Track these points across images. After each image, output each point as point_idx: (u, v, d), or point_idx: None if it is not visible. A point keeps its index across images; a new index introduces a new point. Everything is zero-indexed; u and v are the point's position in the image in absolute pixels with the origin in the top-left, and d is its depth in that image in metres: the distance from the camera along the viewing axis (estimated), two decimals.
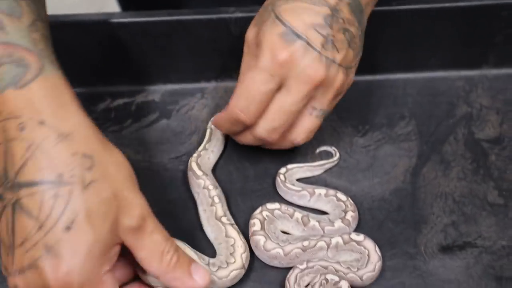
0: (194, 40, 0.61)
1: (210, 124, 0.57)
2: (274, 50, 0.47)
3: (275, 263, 0.48)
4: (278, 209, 0.51)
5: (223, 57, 0.62)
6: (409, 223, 0.51)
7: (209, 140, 0.56)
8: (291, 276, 0.47)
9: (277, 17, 0.47)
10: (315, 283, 0.46)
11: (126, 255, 0.42)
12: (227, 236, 0.49)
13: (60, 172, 0.38)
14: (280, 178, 0.53)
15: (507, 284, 0.47)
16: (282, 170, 0.54)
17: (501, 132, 0.58)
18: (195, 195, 0.53)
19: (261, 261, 0.49)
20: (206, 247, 0.50)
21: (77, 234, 0.37)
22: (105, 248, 0.39)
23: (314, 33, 0.47)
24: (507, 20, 0.60)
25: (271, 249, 0.48)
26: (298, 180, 0.55)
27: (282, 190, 0.53)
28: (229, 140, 0.57)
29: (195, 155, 0.55)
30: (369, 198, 0.53)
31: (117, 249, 0.40)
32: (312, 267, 0.47)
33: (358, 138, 0.58)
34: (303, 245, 0.48)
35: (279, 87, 0.48)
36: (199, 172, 0.52)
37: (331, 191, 0.52)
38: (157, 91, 0.62)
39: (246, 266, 0.48)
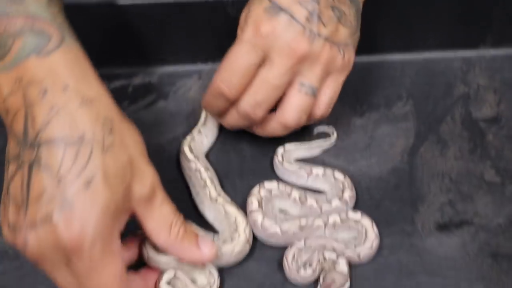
0: (191, 21, 0.61)
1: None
2: (257, 23, 0.47)
3: (272, 241, 0.49)
4: (276, 188, 0.51)
5: (220, 38, 0.61)
6: (406, 201, 0.52)
7: (204, 123, 0.56)
8: (289, 254, 0.47)
9: None
10: (313, 260, 0.47)
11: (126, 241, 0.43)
12: (226, 213, 0.49)
13: (82, 133, 0.39)
14: (277, 158, 0.53)
15: (503, 261, 0.48)
16: (280, 150, 0.54)
17: (498, 112, 0.58)
18: (187, 178, 0.53)
19: (258, 239, 0.49)
20: (205, 228, 0.50)
21: (94, 192, 0.38)
22: (118, 210, 0.39)
23: (299, 7, 0.47)
24: (504, 0, 0.60)
25: (268, 228, 0.48)
26: (295, 160, 0.55)
27: (279, 170, 0.53)
28: None
29: (188, 138, 0.55)
30: (367, 178, 0.54)
31: (126, 217, 0.41)
32: (310, 245, 0.48)
33: (355, 118, 0.58)
34: (300, 224, 0.48)
35: (262, 62, 0.48)
36: (190, 156, 0.52)
37: (329, 171, 0.52)
38: (154, 73, 0.62)
39: (251, 241, 0.48)
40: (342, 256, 0.47)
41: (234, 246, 0.47)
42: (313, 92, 0.49)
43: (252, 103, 0.48)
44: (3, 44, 0.40)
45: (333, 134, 0.56)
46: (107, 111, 0.41)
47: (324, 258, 0.47)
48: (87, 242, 0.37)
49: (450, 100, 0.59)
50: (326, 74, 0.49)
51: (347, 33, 0.49)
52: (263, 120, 0.51)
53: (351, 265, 0.47)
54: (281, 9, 0.47)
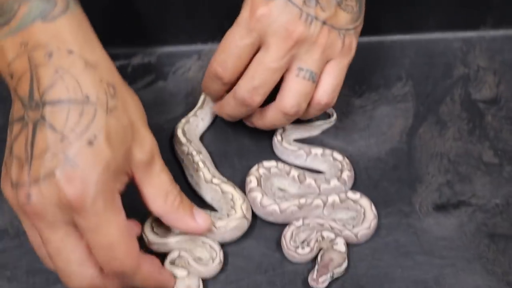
0: (191, 2, 0.60)
1: None
2: (253, 6, 0.47)
3: (271, 219, 0.49)
4: (275, 167, 0.51)
5: (219, 19, 0.61)
6: (405, 182, 0.52)
7: (201, 107, 0.56)
8: (287, 232, 0.47)
9: None
10: (311, 239, 0.47)
11: None
12: (223, 193, 0.49)
13: (87, 93, 0.39)
14: (277, 138, 0.54)
15: (500, 241, 0.48)
16: (279, 130, 0.54)
17: (497, 93, 0.58)
18: (180, 161, 0.53)
19: (257, 218, 0.49)
20: (203, 207, 0.50)
21: (96, 150, 0.39)
22: (118, 170, 0.40)
23: None
24: None
25: (267, 206, 0.48)
26: (295, 140, 0.55)
27: (278, 150, 0.53)
28: None
29: (183, 120, 0.55)
30: (365, 158, 0.54)
31: (126, 178, 0.41)
32: (308, 224, 0.48)
33: (354, 99, 0.58)
34: (299, 203, 0.48)
35: (259, 45, 0.47)
36: (183, 139, 0.53)
37: (328, 151, 0.53)
38: (154, 53, 0.62)
39: (249, 217, 0.48)
40: (340, 235, 0.47)
41: (229, 222, 0.47)
42: (312, 77, 0.48)
43: (249, 88, 0.48)
44: (9, 9, 0.40)
45: (332, 114, 0.56)
46: (110, 76, 0.41)
47: (322, 237, 0.47)
48: (89, 198, 0.38)
49: (449, 81, 0.59)
50: (325, 59, 0.49)
51: (348, 18, 0.48)
52: (262, 110, 0.50)
53: (348, 245, 0.47)
54: None
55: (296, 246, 0.47)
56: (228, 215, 0.48)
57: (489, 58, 0.61)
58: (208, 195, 0.50)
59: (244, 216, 0.47)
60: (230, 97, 0.50)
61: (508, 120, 0.56)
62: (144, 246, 0.47)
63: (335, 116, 0.56)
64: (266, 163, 0.51)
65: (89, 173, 0.38)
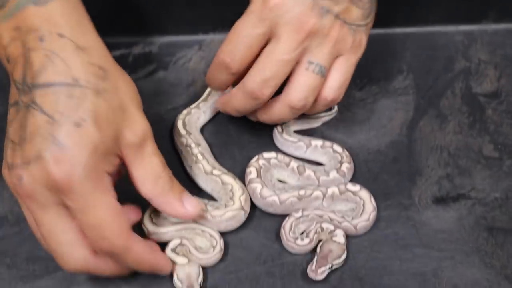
0: None
1: None
2: None
3: (270, 210, 0.49)
4: (275, 158, 0.51)
5: (221, 9, 0.61)
6: (404, 175, 0.52)
7: (205, 100, 0.56)
8: (287, 224, 0.48)
9: None
10: (310, 230, 0.47)
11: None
12: (223, 184, 0.49)
13: (76, 77, 0.40)
14: (277, 129, 0.54)
15: (498, 234, 0.48)
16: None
17: (498, 87, 0.58)
18: (178, 152, 0.53)
19: (257, 209, 0.49)
20: (202, 197, 0.50)
21: (84, 131, 0.39)
22: (106, 151, 0.40)
23: None
24: None
25: (267, 197, 0.48)
26: (295, 131, 0.55)
27: (279, 141, 0.54)
28: None
29: (184, 112, 0.55)
30: (365, 151, 0.54)
31: (116, 160, 0.41)
32: (307, 215, 0.48)
33: (355, 92, 0.58)
34: (299, 194, 0.48)
35: (269, 36, 0.47)
36: (182, 131, 0.53)
37: (328, 143, 0.53)
38: (154, 43, 0.62)
39: (247, 208, 0.48)
40: (339, 227, 0.47)
41: (226, 212, 0.47)
42: (322, 72, 0.47)
43: (259, 80, 0.47)
44: None
45: (333, 107, 0.56)
46: (101, 60, 0.42)
47: (322, 229, 0.47)
48: (76, 180, 0.39)
49: (450, 74, 0.59)
50: (335, 53, 0.48)
51: (359, 14, 0.48)
52: (267, 103, 0.49)
53: (347, 237, 0.47)
54: None
55: (295, 237, 0.47)
56: (226, 206, 0.48)
57: (490, 52, 0.61)
58: (208, 186, 0.50)
59: (242, 208, 0.48)
60: (238, 90, 0.49)
61: (509, 114, 0.56)
62: (144, 236, 0.47)
63: (336, 108, 0.56)
64: (266, 154, 0.51)
65: (77, 155, 0.39)
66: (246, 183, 0.50)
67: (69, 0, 0.42)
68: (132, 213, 0.45)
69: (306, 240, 0.47)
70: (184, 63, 0.61)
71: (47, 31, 0.40)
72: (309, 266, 0.45)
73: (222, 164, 0.52)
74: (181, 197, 0.44)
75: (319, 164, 0.53)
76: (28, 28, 0.40)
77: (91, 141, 0.39)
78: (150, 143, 0.43)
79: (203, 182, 0.51)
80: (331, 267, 0.45)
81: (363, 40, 0.49)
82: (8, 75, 0.42)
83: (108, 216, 0.40)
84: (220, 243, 0.46)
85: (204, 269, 0.46)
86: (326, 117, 0.56)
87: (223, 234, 0.47)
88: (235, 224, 0.48)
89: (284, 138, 0.53)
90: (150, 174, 0.42)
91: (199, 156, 0.51)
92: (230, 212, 0.47)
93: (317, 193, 0.49)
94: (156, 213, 0.48)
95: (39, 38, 0.40)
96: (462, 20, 0.62)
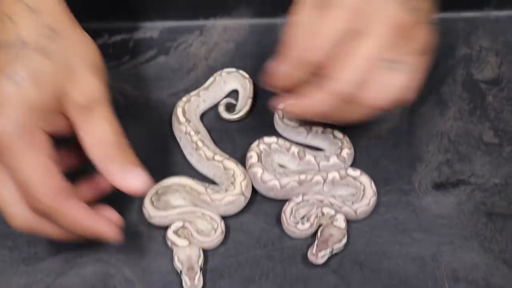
0: None
1: (217, 73, 0.57)
2: None
3: (271, 195, 0.49)
4: (275, 143, 0.51)
5: None
6: (405, 160, 0.52)
7: (207, 88, 0.56)
8: (287, 208, 0.48)
9: None
10: (311, 215, 0.47)
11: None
12: (225, 169, 0.49)
13: (25, 38, 0.41)
14: (278, 114, 0.54)
15: (497, 220, 0.48)
16: (281, 106, 0.54)
17: (499, 74, 0.58)
18: (178, 138, 0.53)
19: (257, 194, 0.50)
20: (204, 181, 0.51)
21: (22, 90, 0.40)
22: (45, 109, 0.40)
23: None
24: None
25: (268, 181, 0.48)
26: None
27: (280, 126, 0.54)
28: None
29: (184, 99, 0.54)
30: (366, 136, 0.54)
31: (59, 119, 0.41)
32: (308, 200, 0.48)
33: None
34: (299, 179, 0.49)
35: (356, 33, 0.43)
36: (182, 119, 0.53)
37: (328, 129, 0.53)
38: (155, 28, 0.62)
39: (247, 194, 0.48)
40: (339, 212, 0.48)
41: (226, 196, 0.47)
42: (408, 71, 0.44)
43: (353, 81, 0.43)
44: None
45: None
46: (53, 21, 0.42)
47: (322, 214, 0.47)
48: (8, 136, 0.39)
49: (451, 61, 0.59)
50: (418, 52, 0.45)
51: (431, 11, 0.46)
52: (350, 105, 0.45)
53: (348, 221, 0.48)
54: None
55: (296, 222, 0.47)
56: (226, 190, 0.48)
57: (491, 39, 0.61)
58: (210, 172, 0.51)
59: (242, 193, 0.48)
60: (325, 92, 0.44)
61: (509, 101, 0.56)
62: (144, 220, 0.47)
63: None
64: (267, 139, 0.51)
65: (12, 113, 0.39)
66: (247, 167, 0.50)
67: None
68: (69, 158, 0.44)
69: (307, 225, 0.47)
70: (185, 48, 0.61)
71: None
72: (309, 250, 0.45)
73: (222, 149, 0.52)
74: (126, 169, 0.42)
75: (319, 149, 0.53)
76: None
77: (28, 100, 0.40)
78: (101, 107, 0.42)
79: (205, 168, 0.51)
80: (332, 251, 0.45)
81: (431, 39, 0.46)
82: None
83: (39, 175, 0.40)
84: (221, 226, 0.47)
85: (205, 252, 0.46)
86: None
87: (223, 218, 0.48)
88: (234, 209, 0.48)
89: (285, 123, 0.53)
90: (96, 139, 0.41)
91: (199, 143, 0.51)
92: (230, 196, 0.47)
93: (318, 178, 0.49)
94: (157, 197, 0.48)
95: None
96: (464, 7, 0.62)
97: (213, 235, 0.46)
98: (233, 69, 0.57)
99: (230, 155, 0.51)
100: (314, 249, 0.45)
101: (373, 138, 0.54)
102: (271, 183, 0.48)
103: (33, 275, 0.45)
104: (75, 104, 0.41)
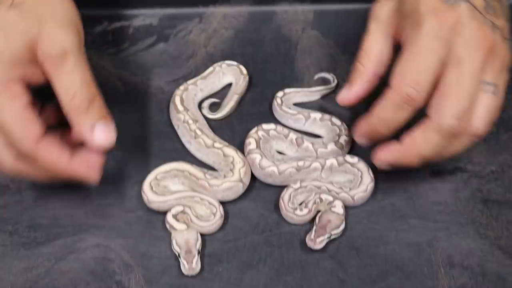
0: None
1: (218, 64, 0.57)
2: (439, 13, 0.42)
3: (269, 181, 0.49)
4: (274, 129, 0.51)
5: None
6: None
7: (204, 78, 0.56)
8: (285, 195, 0.48)
9: None
10: (309, 201, 0.48)
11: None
12: (225, 156, 0.50)
13: None
14: (277, 101, 0.54)
15: (493, 206, 0.49)
16: (279, 94, 0.54)
17: None
18: (175, 127, 0.53)
19: (256, 180, 0.50)
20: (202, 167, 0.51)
21: None
22: (16, 59, 0.42)
23: None
24: None
25: (266, 167, 0.49)
26: (294, 104, 0.55)
27: (278, 113, 0.54)
28: None
29: (181, 87, 0.55)
30: None
31: (31, 68, 0.43)
32: (306, 186, 0.49)
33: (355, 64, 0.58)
34: (297, 165, 0.49)
35: (445, 62, 0.42)
36: (180, 107, 0.53)
37: (326, 116, 0.53)
38: (155, 15, 0.62)
39: (245, 181, 0.49)
40: (336, 198, 0.48)
41: (224, 182, 0.48)
42: (497, 91, 0.43)
43: (457, 113, 0.41)
44: None
45: (333, 80, 0.57)
46: None
47: (321, 200, 0.48)
48: None
49: None
50: (502, 69, 0.44)
51: (507, 26, 0.45)
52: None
53: (345, 207, 0.48)
54: None
55: (294, 208, 0.47)
56: (225, 176, 0.48)
57: None
58: (210, 159, 0.51)
59: (241, 180, 0.48)
60: (427, 131, 0.42)
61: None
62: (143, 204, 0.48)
63: (336, 82, 0.57)
64: (265, 126, 0.52)
65: None
66: (246, 153, 0.50)
67: None
68: (50, 119, 0.45)
69: (305, 211, 0.47)
70: (184, 35, 0.61)
71: None
72: (307, 236, 0.46)
73: (221, 135, 0.52)
74: (95, 121, 0.43)
75: (317, 136, 0.53)
76: None
77: None
78: (72, 58, 0.43)
79: (204, 155, 0.51)
80: (330, 237, 0.46)
81: (510, 56, 0.45)
82: None
83: (15, 120, 0.42)
84: (220, 210, 0.47)
85: (203, 237, 0.46)
86: (325, 90, 0.56)
87: (222, 203, 0.48)
88: (232, 195, 0.48)
89: (284, 111, 0.53)
90: (67, 89, 0.43)
91: (198, 132, 0.51)
92: (228, 183, 0.48)
93: (316, 165, 0.49)
94: (156, 182, 0.48)
95: None
96: None
97: (213, 220, 0.47)
98: (234, 63, 0.57)
99: (229, 142, 0.51)
100: (312, 234, 0.45)
101: None
102: (270, 169, 0.49)
103: (33, 259, 0.45)
104: (46, 55, 0.42)
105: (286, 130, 0.52)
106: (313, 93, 0.56)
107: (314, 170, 0.49)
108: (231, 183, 0.48)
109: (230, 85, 0.57)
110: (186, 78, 0.57)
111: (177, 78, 0.57)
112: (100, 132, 0.43)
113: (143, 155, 0.52)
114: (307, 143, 0.51)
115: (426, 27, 0.42)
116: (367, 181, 0.49)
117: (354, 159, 0.50)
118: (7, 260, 0.45)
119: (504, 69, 0.44)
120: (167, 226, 0.47)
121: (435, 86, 0.42)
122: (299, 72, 0.58)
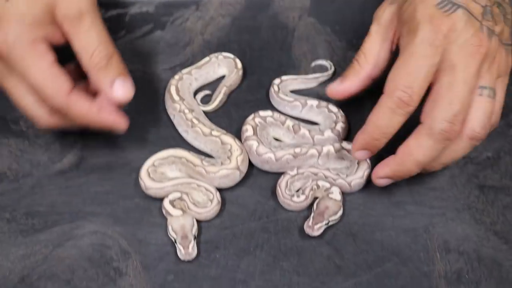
0: None
1: (214, 55, 0.56)
2: (434, 20, 0.43)
3: (266, 167, 0.50)
4: (271, 116, 0.52)
5: None
6: (399, 134, 0.52)
7: (200, 67, 0.56)
8: (282, 181, 0.48)
9: None
10: (306, 187, 0.48)
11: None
12: (222, 143, 0.50)
13: None
14: (274, 88, 0.54)
15: (489, 192, 0.49)
16: (277, 81, 0.54)
17: None
18: (171, 116, 0.53)
19: (253, 167, 0.50)
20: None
21: (15, 6, 0.44)
22: (37, 21, 0.45)
23: (473, 3, 0.44)
24: None
25: (263, 154, 0.49)
26: (291, 91, 0.55)
27: (275, 100, 0.54)
28: None
29: (176, 77, 0.54)
30: (361, 111, 0.54)
31: (52, 29, 0.45)
32: (303, 173, 0.49)
33: (352, 53, 0.58)
34: (294, 152, 0.49)
35: (440, 66, 0.43)
36: (175, 97, 0.53)
37: (323, 103, 0.53)
38: (151, 3, 0.62)
39: (243, 169, 0.49)
40: (333, 184, 0.48)
41: (221, 170, 0.48)
42: (493, 95, 0.44)
43: (449, 117, 0.42)
44: None
45: (330, 67, 0.57)
46: None
47: (318, 186, 0.48)
48: (10, 46, 0.44)
49: None
50: (498, 75, 0.45)
51: (509, 32, 0.46)
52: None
53: (343, 194, 0.48)
54: (456, 4, 0.43)
55: (291, 195, 0.48)
56: (222, 163, 0.48)
57: None
58: (207, 147, 0.51)
59: (238, 168, 0.48)
60: (420, 136, 0.43)
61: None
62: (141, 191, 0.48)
63: (332, 69, 0.56)
64: (262, 113, 0.52)
65: (10, 27, 0.44)
66: (243, 140, 0.50)
67: None
68: (74, 75, 0.47)
69: (302, 197, 0.47)
70: (181, 23, 0.61)
71: None
72: (305, 223, 0.46)
73: (218, 123, 0.53)
74: (114, 78, 0.46)
75: (314, 123, 0.53)
76: None
77: (22, 14, 0.44)
78: (88, 18, 0.45)
79: (202, 144, 0.51)
80: (327, 223, 0.46)
81: (510, 60, 0.46)
82: None
83: (44, 77, 0.44)
84: (216, 196, 0.47)
85: (200, 224, 0.47)
86: (322, 77, 0.56)
87: (219, 190, 0.48)
88: (229, 182, 0.48)
89: (280, 98, 0.53)
90: (85, 47, 0.45)
91: (195, 121, 0.51)
92: (225, 170, 0.48)
93: (313, 151, 0.49)
94: (153, 168, 0.48)
95: None
96: None
97: (210, 206, 0.47)
98: (231, 55, 0.57)
99: (226, 130, 0.51)
100: (310, 221, 0.46)
101: (367, 112, 0.54)
102: (267, 155, 0.49)
103: (31, 246, 0.46)
104: (64, 16, 0.45)
105: (283, 117, 0.52)
106: (310, 80, 0.56)
107: (311, 157, 0.49)
108: (228, 171, 0.48)
109: (224, 77, 0.57)
110: (183, 65, 0.57)
111: (174, 66, 0.57)
112: (119, 87, 0.46)
113: (140, 142, 0.52)
114: (304, 130, 0.51)
115: (420, 34, 0.43)
116: (364, 167, 0.49)
117: (350, 146, 0.50)
118: (5, 247, 0.46)
119: (502, 74, 0.45)
120: (164, 212, 0.47)
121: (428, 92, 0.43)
122: (296, 59, 0.58)
